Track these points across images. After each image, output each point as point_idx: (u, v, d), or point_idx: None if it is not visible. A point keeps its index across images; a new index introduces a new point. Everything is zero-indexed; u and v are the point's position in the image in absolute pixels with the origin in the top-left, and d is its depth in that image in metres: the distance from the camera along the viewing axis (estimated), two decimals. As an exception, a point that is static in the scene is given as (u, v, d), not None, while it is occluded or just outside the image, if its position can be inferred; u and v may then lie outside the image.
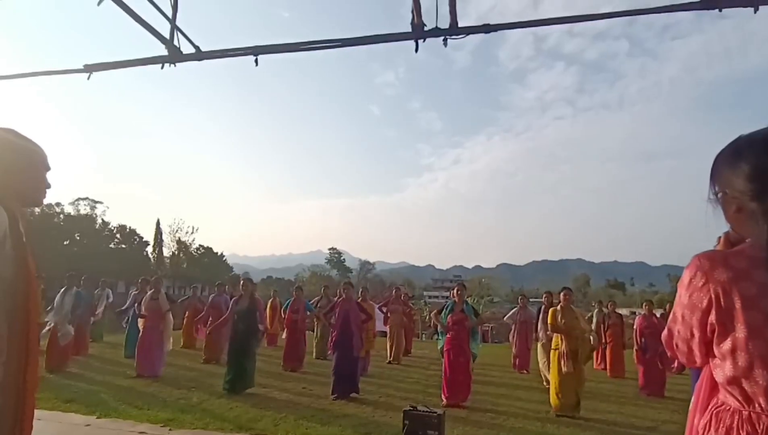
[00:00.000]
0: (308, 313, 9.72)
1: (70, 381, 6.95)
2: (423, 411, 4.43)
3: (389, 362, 10.22)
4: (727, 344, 0.93)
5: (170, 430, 4.72)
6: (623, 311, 20.03)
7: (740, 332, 0.90)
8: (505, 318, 10.72)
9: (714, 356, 0.98)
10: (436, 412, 4.39)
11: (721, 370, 0.95)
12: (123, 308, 10.00)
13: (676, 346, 1.07)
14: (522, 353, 9.76)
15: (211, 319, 9.40)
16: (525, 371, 9.58)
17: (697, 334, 0.99)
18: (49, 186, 1.54)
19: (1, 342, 1.31)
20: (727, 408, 0.95)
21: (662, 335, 1.14)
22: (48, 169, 1.54)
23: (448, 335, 6.38)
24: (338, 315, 6.76)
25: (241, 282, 7.21)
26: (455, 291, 6.71)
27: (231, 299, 7.38)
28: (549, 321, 6.04)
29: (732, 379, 0.93)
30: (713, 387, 1.03)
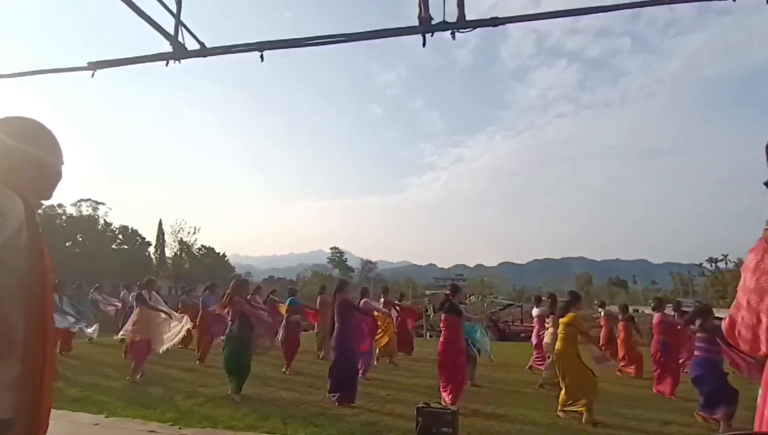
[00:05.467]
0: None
1: (73, 381, 6.94)
2: (436, 408, 4.36)
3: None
4: None
5: (180, 428, 4.70)
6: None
7: None
8: (534, 314, 9.94)
9: None
10: (449, 409, 4.35)
11: None
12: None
13: (739, 333, 1.03)
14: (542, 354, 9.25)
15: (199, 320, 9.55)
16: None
17: (765, 319, 0.95)
18: (61, 177, 1.50)
19: (17, 335, 1.26)
20: None
21: (722, 324, 1.10)
22: (63, 162, 1.50)
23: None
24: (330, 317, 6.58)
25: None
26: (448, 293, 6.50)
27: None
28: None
29: None
30: None
